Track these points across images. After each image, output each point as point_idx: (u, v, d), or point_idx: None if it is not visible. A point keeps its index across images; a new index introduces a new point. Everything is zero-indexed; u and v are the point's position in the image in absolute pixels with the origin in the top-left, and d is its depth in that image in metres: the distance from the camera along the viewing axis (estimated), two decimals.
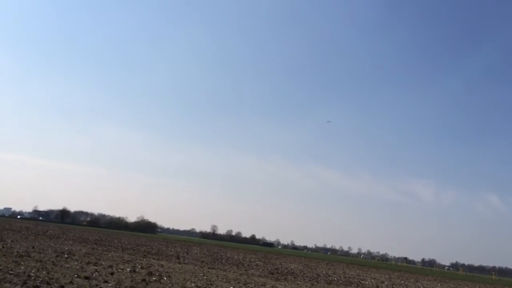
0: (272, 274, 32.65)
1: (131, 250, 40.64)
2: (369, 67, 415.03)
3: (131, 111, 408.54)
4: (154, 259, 33.15)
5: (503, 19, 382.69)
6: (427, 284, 48.78)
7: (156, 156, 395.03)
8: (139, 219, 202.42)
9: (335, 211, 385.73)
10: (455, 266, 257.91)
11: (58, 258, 24.48)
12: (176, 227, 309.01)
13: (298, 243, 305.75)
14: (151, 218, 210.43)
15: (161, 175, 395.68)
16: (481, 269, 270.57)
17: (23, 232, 53.06)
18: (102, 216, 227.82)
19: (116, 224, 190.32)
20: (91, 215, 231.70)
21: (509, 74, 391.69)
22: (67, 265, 21.66)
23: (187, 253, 47.34)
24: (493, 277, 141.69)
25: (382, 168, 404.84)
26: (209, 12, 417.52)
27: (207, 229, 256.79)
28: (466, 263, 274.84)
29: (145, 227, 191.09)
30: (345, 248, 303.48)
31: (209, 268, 30.23)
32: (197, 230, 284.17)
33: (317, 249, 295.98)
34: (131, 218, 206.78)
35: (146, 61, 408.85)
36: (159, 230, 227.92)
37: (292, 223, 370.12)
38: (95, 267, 22.44)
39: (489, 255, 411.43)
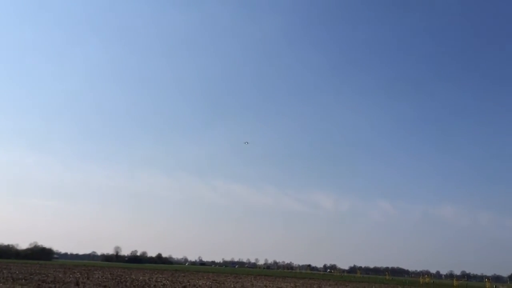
0: None
1: (23, 280, 37.29)
2: (279, 85, 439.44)
3: (22, 131, 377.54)
4: None
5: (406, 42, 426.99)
6: None
7: (49, 177, 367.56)
8: (32, 246, 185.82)
9: (241, 225, 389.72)
10: (353, 269, 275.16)
11: None
12: (75, 252, 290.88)
13: (206, 258, 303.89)
14: (46, 244, 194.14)
15: (55, 197, 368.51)
16: (376, 270, 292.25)
17: None
18: None
19: (5, 253, 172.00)
20: None
21: (402, 89, 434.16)
22: None
23: (88, 279, 44.67)
24: (387, 277, 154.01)
25: (286, 181, 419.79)
26: (119, 31, 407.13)
27: (110, 251, 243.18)
28: (363, 266, 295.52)
29: (39, 254, 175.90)
30: (252, 260, 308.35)
31: None
32: (99, 253, 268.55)
33: (225, 263, 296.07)
34: (23, 245, 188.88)
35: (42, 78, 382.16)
36: (55, 256, 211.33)
37: (199, 239, 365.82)
38: None
39: (382, 257, 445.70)
